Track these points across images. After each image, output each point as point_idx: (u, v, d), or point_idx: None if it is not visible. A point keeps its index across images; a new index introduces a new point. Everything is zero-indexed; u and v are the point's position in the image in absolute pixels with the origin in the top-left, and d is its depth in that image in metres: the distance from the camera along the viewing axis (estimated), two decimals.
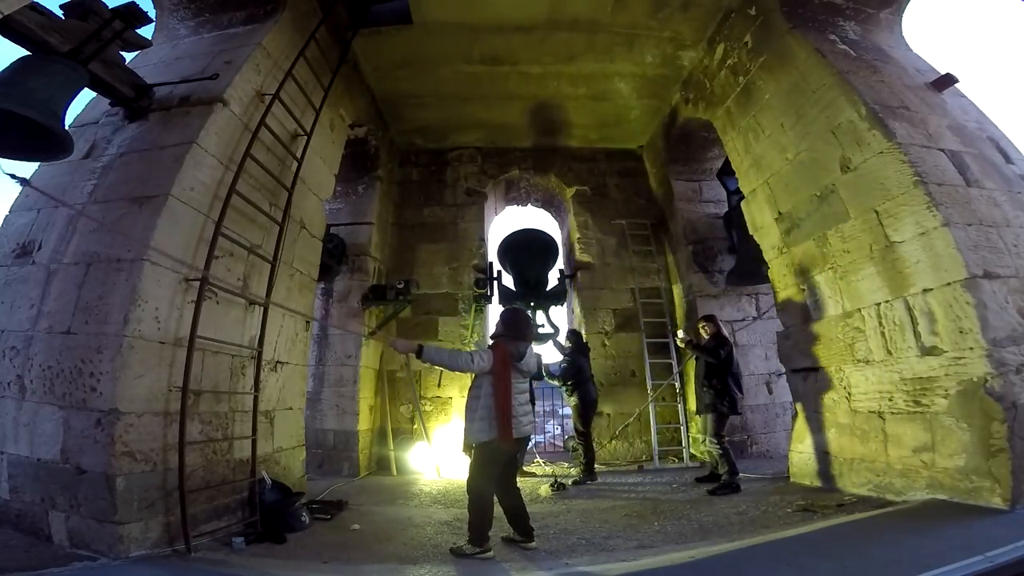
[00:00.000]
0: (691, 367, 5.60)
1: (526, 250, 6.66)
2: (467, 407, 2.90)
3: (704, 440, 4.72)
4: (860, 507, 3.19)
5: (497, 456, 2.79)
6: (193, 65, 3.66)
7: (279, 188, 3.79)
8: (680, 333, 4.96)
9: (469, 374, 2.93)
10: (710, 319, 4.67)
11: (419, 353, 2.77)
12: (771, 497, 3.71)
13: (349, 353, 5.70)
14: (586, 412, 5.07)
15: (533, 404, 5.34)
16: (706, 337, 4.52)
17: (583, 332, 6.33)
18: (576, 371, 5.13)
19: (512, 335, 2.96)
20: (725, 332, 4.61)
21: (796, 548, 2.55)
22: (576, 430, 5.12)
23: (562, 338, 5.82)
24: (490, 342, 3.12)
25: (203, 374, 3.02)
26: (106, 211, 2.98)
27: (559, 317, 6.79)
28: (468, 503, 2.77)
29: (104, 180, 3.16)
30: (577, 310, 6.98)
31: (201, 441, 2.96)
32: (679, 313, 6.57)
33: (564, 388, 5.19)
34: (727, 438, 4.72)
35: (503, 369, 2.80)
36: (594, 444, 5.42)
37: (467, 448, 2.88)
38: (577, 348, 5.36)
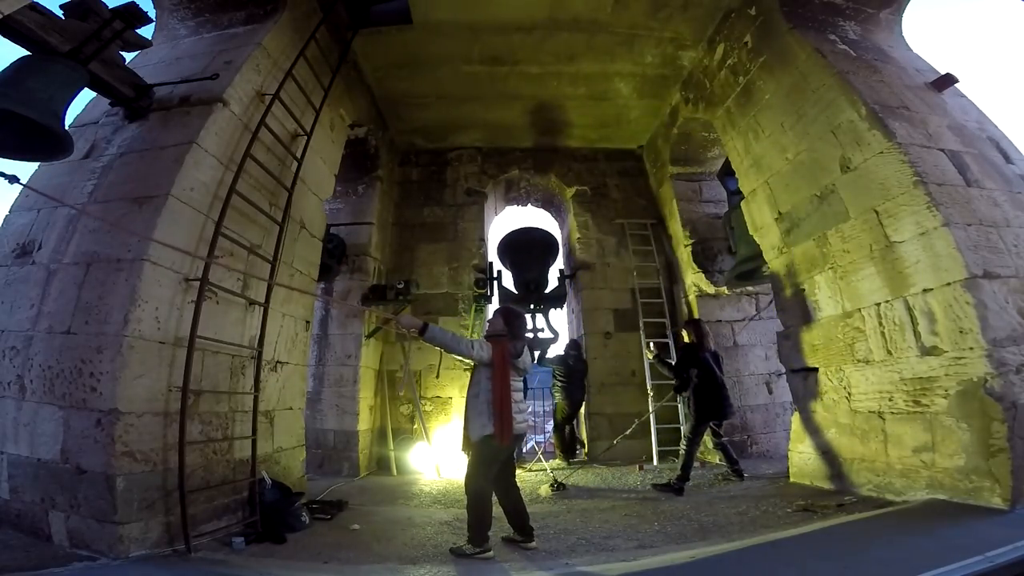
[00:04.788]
0: None
1: (526, 251, 6.73)
2: (467, 405, 2.89)
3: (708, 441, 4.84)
4: (860, 507, 3.18)
5: (497, 454, 2.78)
6: (193, 65, 3.66)
7: (279, 188, 3.79)
8: (651, 345, 5.05)
9: (468, 370, 2.92)
10: (690, 324, 4.81)
11: (422, 330, 2.74)
12: (771, 497, 3.71)
13: (349, 353, 5.70)
14: (567, 410, 5.82)
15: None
16: (685, 341, 4.69)
17: (583, 341, 6.42)
18: (566, 369, 5.81)
19: (510, 333, 2.95)
20: (710, 343, 4.55)
21: (796, 548, 2.54)
22: (554, 425, 5.98)
23: (562, 344, 6.13)
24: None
25: (203, 374, 3.02)
26: (106, 211, 2.97)
27: (559, 320, 7.07)
28: (467, 503, 2.76)
29: (104, 180, 3.16)
30: (577, 310, 6.98)
31: (201, 441, 2.96)
32: (679, 313, 6.57)
33: (552, 386, 5.97)
34: (726, 438, 4.74)
35: (503, 364, 2.79)
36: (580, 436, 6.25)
37: (466, 446, 2.86)
38: (575, 357, 5.95)
